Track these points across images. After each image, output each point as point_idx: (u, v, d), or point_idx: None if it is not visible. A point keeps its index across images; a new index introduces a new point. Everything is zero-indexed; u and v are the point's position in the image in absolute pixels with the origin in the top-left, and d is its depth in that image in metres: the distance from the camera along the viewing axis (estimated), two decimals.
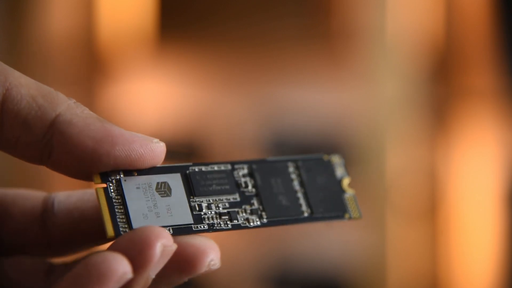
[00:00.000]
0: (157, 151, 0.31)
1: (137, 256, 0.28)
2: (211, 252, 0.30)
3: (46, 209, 0.34)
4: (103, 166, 0.30)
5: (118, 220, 0.30)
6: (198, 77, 1.43)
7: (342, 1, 1.29)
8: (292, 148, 1.30)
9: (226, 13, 1.41)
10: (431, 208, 1.27)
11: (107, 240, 0.30)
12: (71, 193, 0.34)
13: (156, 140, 0.31)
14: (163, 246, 0.29)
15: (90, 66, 1.48)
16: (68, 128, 0.29)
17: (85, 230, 0.34)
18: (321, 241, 1.32)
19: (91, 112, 0.30)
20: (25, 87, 0.30)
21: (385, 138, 1.24)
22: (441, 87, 1.28)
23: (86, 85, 1.45)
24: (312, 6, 1.33)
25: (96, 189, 0.30)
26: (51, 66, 1.44)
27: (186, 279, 0.31)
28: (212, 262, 0.30)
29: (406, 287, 1.26)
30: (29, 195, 0.34)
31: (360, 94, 1.25)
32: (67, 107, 0.30)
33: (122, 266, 0.28)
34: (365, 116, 1.25)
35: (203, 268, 0.30)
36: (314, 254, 1.32)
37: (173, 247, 0.29)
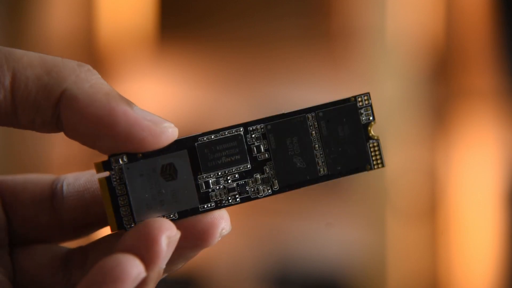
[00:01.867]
0: (161, 137, 0.30)
1: (146, 254, 0.28)
2: (220, 222, 0.30)
3: (55, 193, 0.34)
4: (103, 145, 0.30)
5: (122, 212, 0.30)
6: (198, 77, 1.43)
7: (342, 1, 1.29)
8: None
9: (226, 13, 1.41)
10: (431, 208, 1.27)
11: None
12: (79, 175, 0.34)
13: (167, 124, 0.30)
14: (168, 238, 0.29)
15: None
16: (73, 104, 0.29)
17: (96, 211, 0.33)
18: (321, 241, 1.32)
19: (104, 84, 0.30)
20: (29, 68, 0.29)
21: (385, 138, 1.24)
22: (441, 87, 1.28)
23: None
24: (312, 6, 1.33)
25: (99, 180, 0.29)
26: None
27: (199, 251, 0.31)
28: (223, 231, 0.30)
29: (406, 287, 1.26)
30: (38, 180, 0.34)
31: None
32: (74, 80, 0.29)
33: (135, 268, 0.28)
34: None
35: (215, 239, 0.30)
36: (314, 254, 1.32)
37: (177, 235, 0.29)
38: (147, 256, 0.28)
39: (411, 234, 1.26)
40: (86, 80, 0.30)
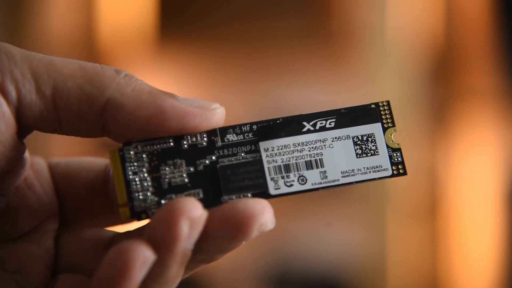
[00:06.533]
0: (213, 120, 0.30)
1: (164, 237, 0.28)
2: (260, 216, 0.29)
3: (109, 178, 0.34)
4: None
5: (133, 188, 0.29)
6: (198, 77, 1.43)
7: (342, 1, 1.29)
8: None
9: (226, 13, 1.41)
10: (431, 208, 1.27)
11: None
12: None
13: (214, 105, 0.30)
14: (190, 220, 0.28)
15: None
16: (120, 111, 0.29)
17: None
18: (321, 241, 1.32)
19: (143, 84, 0.30)
20: (70, 78, 0.29)
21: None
22: (441, 87, 1.28)
23: None
24: (312, 6, 1.33)
25: (111, 152, 0.29)
26: None
27: (239, 244, 0.30)
28: (262, 226, 0.29)
29: (406, 287, 1.26)
30: (91, 164, 0.34)
31: (360, 94, 1.25)
32: (116, 88, 0.29)
33: (141, 253, 0.27)
34: None
35: (253, 233, 0.29)
36: (314, 254, 1.32)
37: (203, 216, 0.28)
38: (164, 239, 0.28)
39: (411, 234, 1.26)
40: (126, 85, 0.30)
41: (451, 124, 1.27)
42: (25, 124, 0.30)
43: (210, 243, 0.29)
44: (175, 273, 0.29)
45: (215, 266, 1.34)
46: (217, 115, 0.30)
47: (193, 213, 0.28)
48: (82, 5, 1.47)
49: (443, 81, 1.28)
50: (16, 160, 0.31)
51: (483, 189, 1.27)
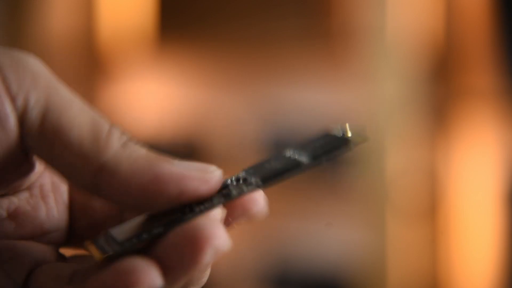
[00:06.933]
0: (212, 182, 0.30)
1: (182, 261, 0.27)
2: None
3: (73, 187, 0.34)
4: (156, 206, 0.29)
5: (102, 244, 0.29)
6: (198, 77, 1.43)
7: (342, 1, 1.29)
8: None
9: (226, 14, 1.41)
10: (431, 208, 1.27)
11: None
12: None
13: (212, 168, 0.30)
14: (215, 249, 0.27)
15: (90, 66, 1.48)
16: (114, 177, 0.29)
17: None
18: (321, 241, 1.32)
19: (141, 151, 0.29)
20: (76, 130, 0.29)
21: (385, 138, 1.24)
22: (441, 87, 1.28)
23: (86, 85, 1.45)
24: (312, 6, 1.34)
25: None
26: (51, 66, 1.44)
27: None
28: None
29: (406, 287, 1.26)
30: (57, 178, 0.34)
31: (360, 94, 1.25)
32: (114, 154, 0.29)
33: (153, 279, 0.27)
34: (365, 116, 1.25)
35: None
36: (314, 254, 1.32)
37: (226, 245, 0.28)
38: (182, 263, 0.27)
39: (411, 234, 1.26)
40: (124, 151, 0.29)
41: (451, 124, 1.27)
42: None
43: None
44: None
45: (215, 266, 1.34)
46: (216, 177, 0.30)
47: (219, 241, 0.27)
48: (82, 5, 1.47)
49: (443, 81, 1.28)
50: (22, 163, 0.31)
51: (483, 189, 1.27)
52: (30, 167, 0.31)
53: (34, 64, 0.30)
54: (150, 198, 0.29)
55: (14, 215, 0.32)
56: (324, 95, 1.31)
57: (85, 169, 0.29)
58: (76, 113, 0.30)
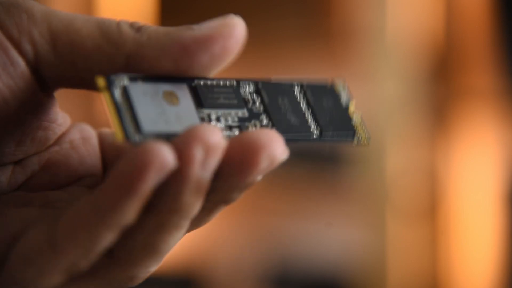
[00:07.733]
0: (238, 36, 0.29)
1: (179, 159, 0.26)
2: (266, 148, 0.27)
3: (104, 143, 0.33)
4: (192, 74, 0.29)
5: (127, 125, 0.28)
6: None
7: (342, 1, 1.29)
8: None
9: (226, 13, 1.41)
10: (431, 208, 1.27)
11: None
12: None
13: (228, 19, 0.30)
14: (206, 145, 0.26)
15: None
16: (143, 63, 0.29)
17: None
18: (321, 241, 1.32)
19: (159, 29, 0.29)
20: (89, 39, 0.29)
21: (385, 138, 1.24)
22: (441, 87, 1.28)
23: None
24: (312, 6, 1.33)
25: (103, 95, 0.29)
26: None
27: (251, 179, 0.27)
28: (272, 158, 0.27)
29: (406, 287, 1.26)
30: (86, 134, 0.33)
31: (360, 94, 1.25)
32: (132, 42, 0.29)
33: (162, 155, 0.26)
34: (365, 116, 1.25)
35: (261, 166, 0.27)
36: (314, 254, 1.32)
37: (221, 143, 0.27)
38: (180, 161, 0.26)
39: (411, 234, 1.26)
40: (141, 35, 0.29)
41: (451, 124, 1.27)
42: (46, 82, 0.30)
43: (219, 179, 0.28)
44: (189, 202, 0.27)
45: (215, 266, 1.34)
46: (238, 29, 0.30)
47: (210, 139, 0.26)
48: (82, 5, 1.47)
49: (443, 81, 1.28)
50: (42, 114, 0.30)
51: (483, 189, 1.27)
52: (52, 119, 0.31)
53: (23, 2, 0.30)
54: (183, 71, 0.29)
55: (46, 166, 0.32)
56: None
57: (112, 70, 0.29)
58: (81, 25, 0.29)
